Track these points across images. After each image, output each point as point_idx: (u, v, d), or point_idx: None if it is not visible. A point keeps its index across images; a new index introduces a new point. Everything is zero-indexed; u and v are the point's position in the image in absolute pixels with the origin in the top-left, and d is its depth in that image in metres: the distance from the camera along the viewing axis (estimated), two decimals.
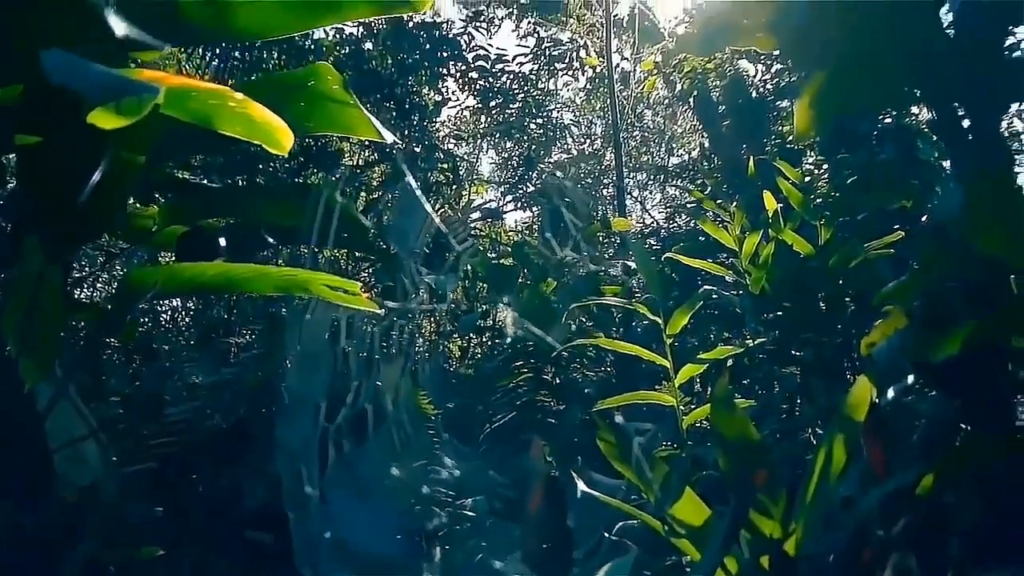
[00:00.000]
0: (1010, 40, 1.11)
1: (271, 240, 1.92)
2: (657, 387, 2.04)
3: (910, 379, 1.03)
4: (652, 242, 7.14)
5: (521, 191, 10.23)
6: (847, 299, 2.42)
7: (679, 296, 3.76)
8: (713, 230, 2.38)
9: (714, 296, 2.16)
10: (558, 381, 2.99)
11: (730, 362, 2.32)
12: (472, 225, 9.30)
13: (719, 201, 2.61)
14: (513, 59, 9.04)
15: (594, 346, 3.35)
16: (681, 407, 1.92)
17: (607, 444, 1.23)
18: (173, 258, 1.87)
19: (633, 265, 2.85)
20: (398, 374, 1.95)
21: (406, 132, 8.85)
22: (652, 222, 11.09)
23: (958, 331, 0.75)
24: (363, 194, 8.78)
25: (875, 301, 0.98)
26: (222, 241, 1.89)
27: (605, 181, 12.09)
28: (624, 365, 3.22)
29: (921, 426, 1.06)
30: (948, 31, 1.08)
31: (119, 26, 0.70)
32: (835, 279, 2.22)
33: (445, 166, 9.21)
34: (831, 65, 1.01)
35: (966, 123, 0.92)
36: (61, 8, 0.82)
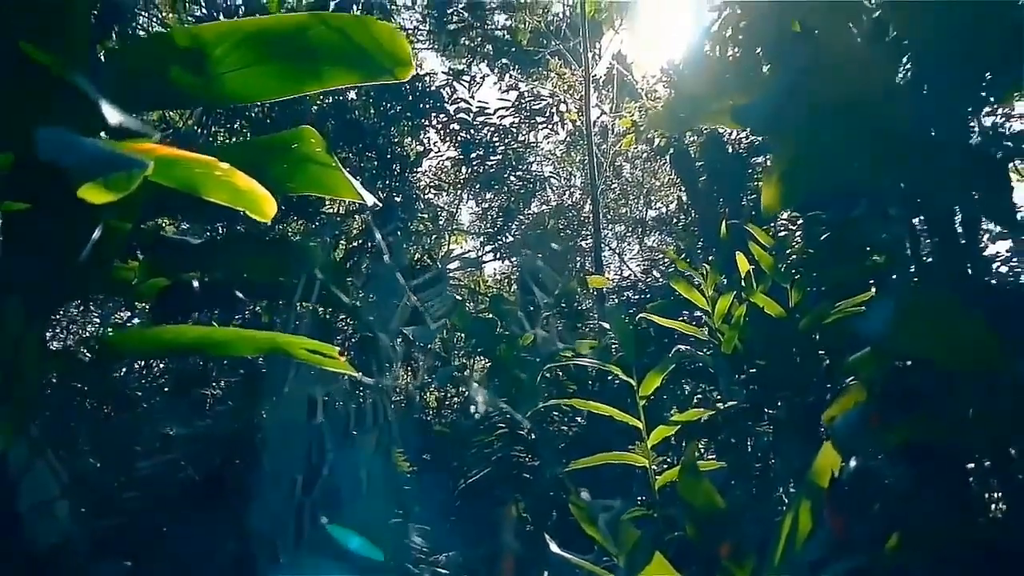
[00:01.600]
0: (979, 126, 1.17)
1: (249, 297, 1.94)
2: (631, 446, 2.06)
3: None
4: (629, 294, 7.20)
5: (500, 242, 10.31)
6: (820, 357, 2.46)
7: (654, 351, 3.81)
8: (686, 291, 2.42)
9: (687, 358, 2.19)
10: (533, 436, 3.00)
11: (704, 418, 2.35)
12: (451, 274, 9.34)
13: (691, 260, 2.66)
14: (495, 112, 9.19)
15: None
16: (653, 467, 1.94)
17: (578, 509, 1.25)
18: (151, 311, 1.88)
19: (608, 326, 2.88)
20: (375, 437, 1.96)
21: (387, 181, 8.94)
22: (629, 274, 11.18)
23: (905, 424, 0.78)
24: (343, 243, 8.82)
25: (839, 373, 1.02)
26: (202, 293, 1.90)
27: (583, 232, 12.21)
28: (599, 420, 3.23)
29: (884, 495, 1.09)
30: (911, 119, 1.13)
31: (112, 115, 0.73)
32: (806, 339, 2.26)
33: (425, 216, 9.29)
34: (795, 152, 1.06)
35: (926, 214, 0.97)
36: (54, 92, 0.86)
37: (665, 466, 1.98)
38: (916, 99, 1.09)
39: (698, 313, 2.93)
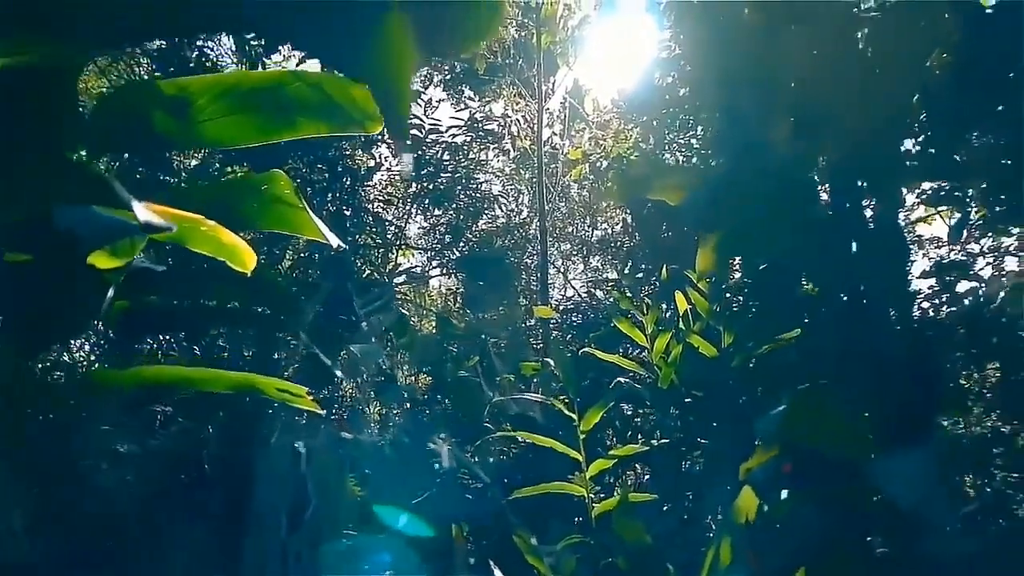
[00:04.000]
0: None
1: (209, 324, 2.02)
2: (571, 476, 2.18)
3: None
4: (574, 318, 7.36)
5: (446, 257, 10.41)
6: (749, 393, 2.63)
7: (594, 376, 3.96)
8: (628, 329, 2.57)
9: (625, 392, 2.33)
10: (476, 460, 3.11)
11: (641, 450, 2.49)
12: (397, 289, 9.40)
13: (634, 294, 2.81)
14: (447, 131, 9.30)
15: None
16: (591, 496, 2.07)
17: (521, 540, 1.37)
18: (115, 333, 1.94)
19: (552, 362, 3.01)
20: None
21: (337, 194, 8.96)
22: (573, 293, 11.35)
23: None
24: (290, 253, 8.80)
25: (756, 431, 1.16)
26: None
27: (530, 250, 12.38)
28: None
29: (792, 535, 1.23)
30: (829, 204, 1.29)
31: (141, 212, 0.82)
32: (738, 377, 2.42)
33: (374, 229, 9.33)
34: (726, 227, 1.20)
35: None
36: (70, 176, 0.94)
37: (602, 495, 2.11)
38: (833, 187, 1.24)
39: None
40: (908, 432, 0.95)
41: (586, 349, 2.64)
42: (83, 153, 1.05)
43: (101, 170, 0.96)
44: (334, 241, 1.82)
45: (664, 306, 2.89)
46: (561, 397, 2.15)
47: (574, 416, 2.10)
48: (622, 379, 2.59)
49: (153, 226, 0.78)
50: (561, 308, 8.19)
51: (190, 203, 1.35)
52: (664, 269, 2.71)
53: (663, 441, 2.30)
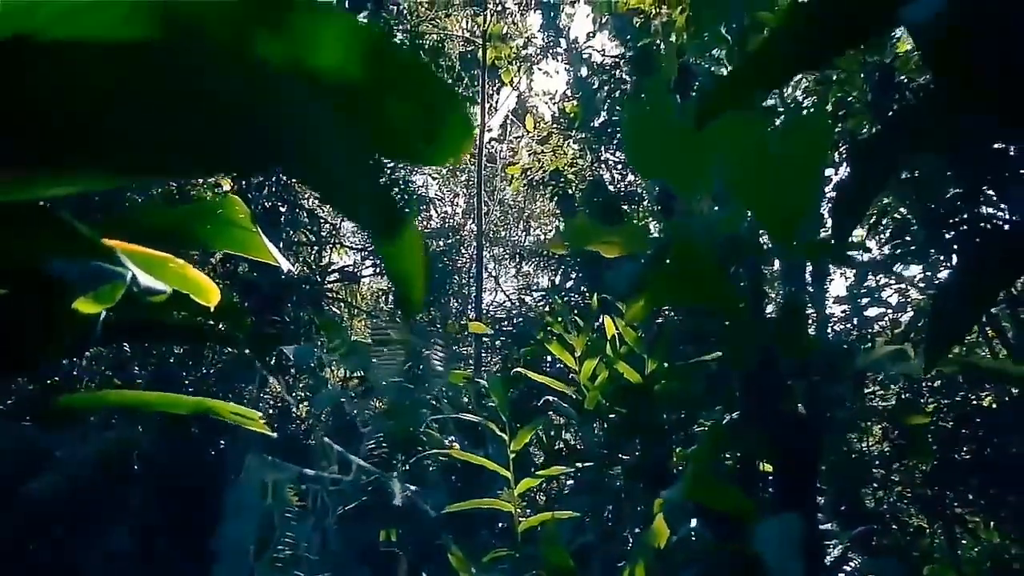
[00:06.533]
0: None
1: (149, 338, 2.07)
2: (499, 491, 2.30)
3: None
4: (505, 326, 7.49)
5: (380, 257, 10.39)
6: (675, 413, 2.80)
7: (524, 389, 4.07)
8: (557, 351, 2.71)
9: (552, 410, 2.46)
10: (408, 468, 3.20)
11: (567, 468, 2.63)
12: (329, 287, 9.37)
13: (563, 319, 2.95)
14: None
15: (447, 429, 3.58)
16: (518, 510, 2.20)
17: (456, 558, 1.49)
18: None
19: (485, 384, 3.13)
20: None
21: (272, 189, 8.89)
22: (504, 300, 11.50)
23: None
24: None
25: (676, 459, 1.30)
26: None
27: (463, 252, 12.48)
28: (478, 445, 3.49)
29: (699, 561, 1.38)
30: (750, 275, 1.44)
31: (141, 277, 0.90)
32: (661, 401, 2.59)
33: (308, 227, 9.29)
34: (657, 287, 1.33)
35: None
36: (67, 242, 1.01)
37: (529, 511, 2.24)
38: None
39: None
40: (789, 494, 1.11)
41: (518, 369, 2.76)
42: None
43: (88, 230, 1.03)
44: (284, 265, 1.91)
45: (594, 325, 3.04)
46: (491, 421, 2.27)
47: (505, 436, 2.22)
48: (550, 397, 2.73)
49: (152, 290, 0.87)
50: (492, 314, 8.31)
51: (148, 228, 1.43)
52: (595, 297, 2.86)
53: (586, 464, 2.44)
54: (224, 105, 0.61)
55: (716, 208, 1.39)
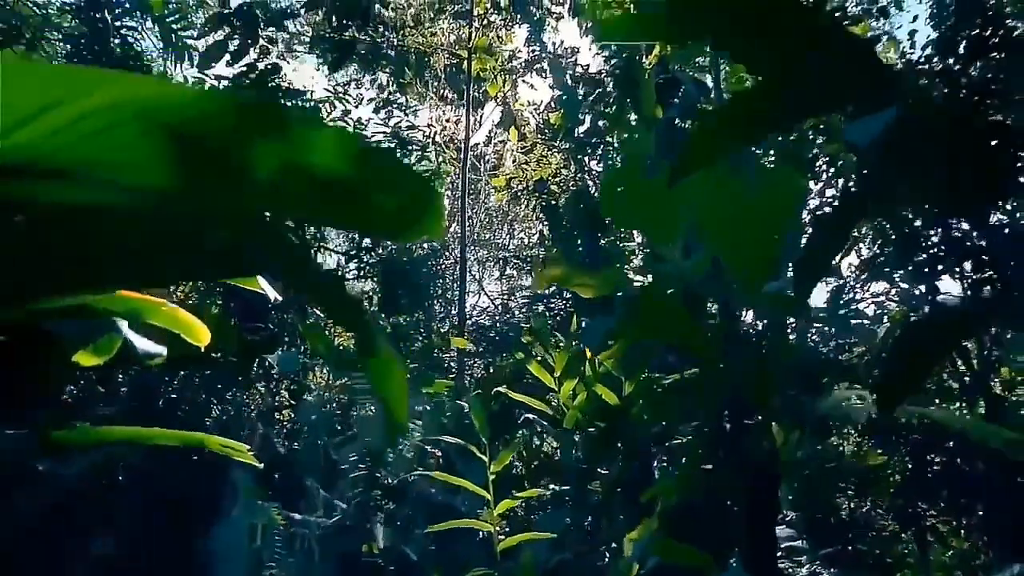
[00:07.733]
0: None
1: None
2: (479, 511, 2.36)
3: None
4: (488, 333, 7.52)
5: (362, 260, 10.41)
6: (651, 433, 2.86)
7: (505, 403, 4.11)
8: (538, 371, 2.76)
9: (533, 428, 2.52)
10: (391, 483, 3.24)
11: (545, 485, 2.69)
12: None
13: (543, 340, 3.00)
14: (366, 128, 9.36)
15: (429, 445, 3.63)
16: (496, 528, 2.26)
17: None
18: None
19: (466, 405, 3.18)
20: None
21: None
22: (488, 305, 11.54)
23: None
24: None
25: (643, 498, 1.36)
26: None
27: (447, 255, 12.50)
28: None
29: None
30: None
31: (139, 341, 0.95)
32: (637, 421, 2.65)
33: (293, 229, 9.28)
34: (632, 329, 1.39)
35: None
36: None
37: (508, 530, 2.30)
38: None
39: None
40: (753, 528, 1.17)
41: (498, 389, 2.82)
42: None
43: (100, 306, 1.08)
44: (272, 294, 1.95)
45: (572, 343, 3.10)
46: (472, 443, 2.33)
47: (485, 458, 2.28)
48: (531, 415, 2.78)
49: (151, 355, 0.92)
50: (476, 320, 8.36)
51: None
52: (574, 319, 2.92)
53: (563, 488, 2.51)
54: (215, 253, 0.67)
55: (687, 256, 1.46)
